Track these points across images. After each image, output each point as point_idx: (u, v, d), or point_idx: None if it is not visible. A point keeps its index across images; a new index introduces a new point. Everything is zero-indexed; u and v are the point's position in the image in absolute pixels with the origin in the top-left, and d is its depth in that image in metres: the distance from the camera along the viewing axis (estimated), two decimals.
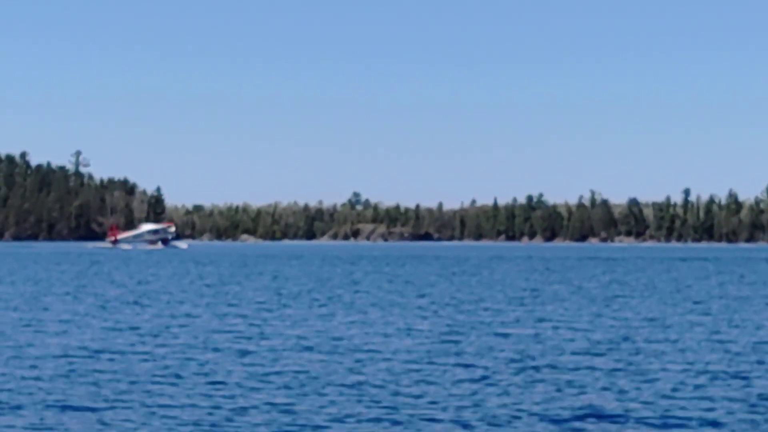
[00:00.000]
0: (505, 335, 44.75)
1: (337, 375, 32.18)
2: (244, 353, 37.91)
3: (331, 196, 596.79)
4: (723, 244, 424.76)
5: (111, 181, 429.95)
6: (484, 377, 31.87)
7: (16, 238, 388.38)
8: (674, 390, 29.30)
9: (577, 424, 24.66)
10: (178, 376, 31.74)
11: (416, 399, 27.83)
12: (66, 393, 28.53)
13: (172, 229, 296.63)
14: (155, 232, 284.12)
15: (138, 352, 37.97)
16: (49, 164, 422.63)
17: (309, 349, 39.45)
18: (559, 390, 29.28)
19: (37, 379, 31.12)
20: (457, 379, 31.39)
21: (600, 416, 25.51)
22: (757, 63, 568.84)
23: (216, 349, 39.08)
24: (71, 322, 50.37)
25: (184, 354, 37.55)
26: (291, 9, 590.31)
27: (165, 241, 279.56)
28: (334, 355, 37.35)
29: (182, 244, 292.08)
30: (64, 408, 26.32)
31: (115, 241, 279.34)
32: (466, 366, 34.46)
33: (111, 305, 62.20)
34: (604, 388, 29.61)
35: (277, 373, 32.69)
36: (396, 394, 28.63)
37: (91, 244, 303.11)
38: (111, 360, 35.73)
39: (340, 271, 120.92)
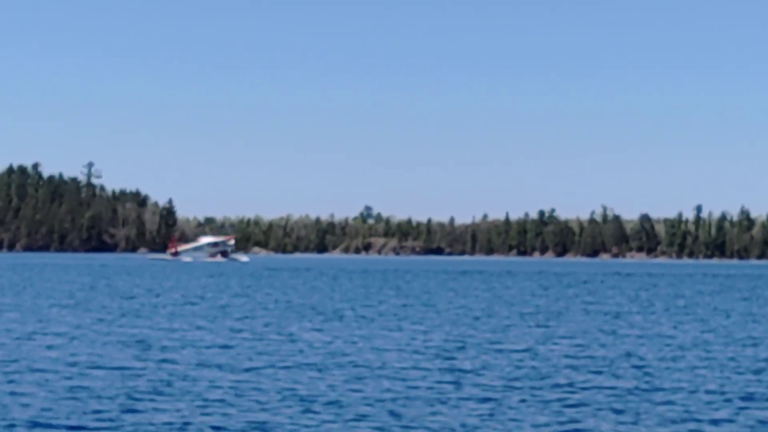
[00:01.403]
0: (511, 351, 43.64)
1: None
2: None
3: (343, 209, 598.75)
4: (735, 261, 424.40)
5: (123, 192, 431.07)
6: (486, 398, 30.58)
7: (28, 248, 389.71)
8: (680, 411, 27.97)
9: None
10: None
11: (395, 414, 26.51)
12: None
13: (232, 242, 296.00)
14: (215, 245, 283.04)
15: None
16: (61, 175, 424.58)
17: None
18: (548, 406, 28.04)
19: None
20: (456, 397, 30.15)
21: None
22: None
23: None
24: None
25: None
26: (304, 22, 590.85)
27: (225, 254, 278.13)
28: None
29: (243, 257, 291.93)
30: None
31: (176, 253, 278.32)
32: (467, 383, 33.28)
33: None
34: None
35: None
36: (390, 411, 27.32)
37: (150, 256, 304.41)
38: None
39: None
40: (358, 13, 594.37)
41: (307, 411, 27.65)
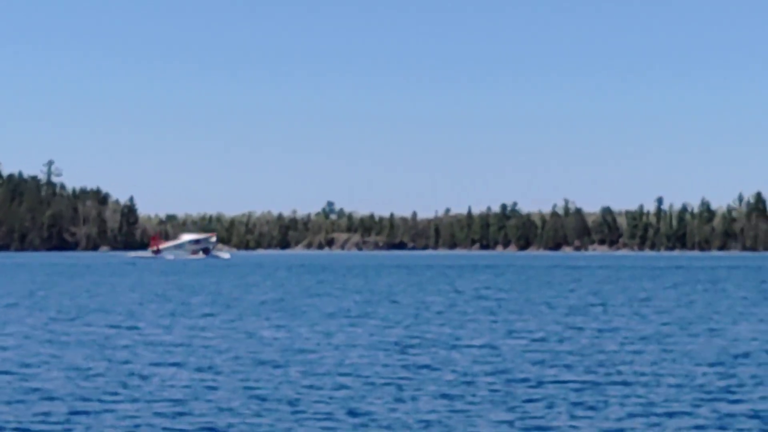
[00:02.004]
0: (471, 346, 43.30)
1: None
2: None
3: (306, 205, 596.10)
4: (696, 252, 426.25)
5: (83, 191, 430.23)
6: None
7: None
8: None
9: None
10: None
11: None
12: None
13: (214, 239, 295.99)
14: (197, 242, 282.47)
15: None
16: (20, 174, 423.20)
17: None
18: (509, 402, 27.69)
19: None
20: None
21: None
22: (729, 73, 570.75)
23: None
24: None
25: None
26: (267, 18, 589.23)
27: (206, 251, 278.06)
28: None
29: (224, 254, 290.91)
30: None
31: (158, 251, 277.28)
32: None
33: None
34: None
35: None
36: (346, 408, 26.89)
37: (132, 254, 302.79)
38: None
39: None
40: (321, 14, 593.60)
41: (263, 409, 27.24)
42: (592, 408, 27.44)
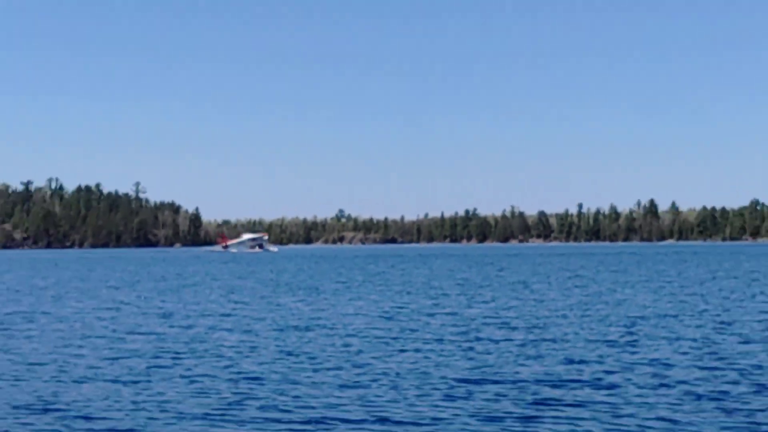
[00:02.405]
0: (442, 314, 43.05)
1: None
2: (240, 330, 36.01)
3: (323, 211, 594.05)
4: (606, 243, 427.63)
5: (162, 203, 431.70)
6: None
7: (92, 246, 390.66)
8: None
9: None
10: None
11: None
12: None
13: (266, 237, 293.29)
14: (254, 239, 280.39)
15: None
16: (116, 191, 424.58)
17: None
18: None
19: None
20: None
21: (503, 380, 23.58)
22: (633, 102, 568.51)
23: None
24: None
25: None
26: (300, 28, 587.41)
27: (261, 246, 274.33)
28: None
29: (273, 248, 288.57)
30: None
31: (226, 246, 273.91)
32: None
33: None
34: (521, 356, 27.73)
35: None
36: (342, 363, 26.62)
37: (204, 249, 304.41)
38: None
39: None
40: (348, 24, 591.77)
41: (290, 361, 26.99)
42: (530, 358, 27.23)
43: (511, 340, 31.87)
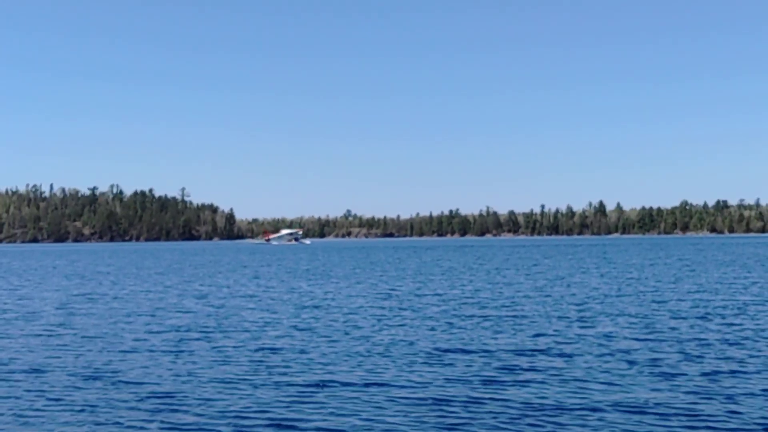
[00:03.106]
0: (428, 294, 42.59)
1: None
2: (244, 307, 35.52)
3: (334, 211, 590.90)
4: (564, 237, 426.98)
5: (203, 205, 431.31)
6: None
7: (147, 240, 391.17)
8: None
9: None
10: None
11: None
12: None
13: (301, 232, 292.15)
14: (291, 234, 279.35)
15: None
16: (166, 195, 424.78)
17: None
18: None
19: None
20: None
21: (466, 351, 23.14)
22: (584, 113, 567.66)
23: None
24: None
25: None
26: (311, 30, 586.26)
27: (296, 239, 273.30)
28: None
29: (307, 241, 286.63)
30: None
31: (268, 240, 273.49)
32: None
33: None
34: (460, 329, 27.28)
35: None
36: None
37: (248, 241, 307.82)
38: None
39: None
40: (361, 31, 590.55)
41: (301, 334, 26.60)
42: (498, 331, 26.82)
43: (482, 317, 31.46)
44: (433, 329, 27.65)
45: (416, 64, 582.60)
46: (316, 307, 36.64)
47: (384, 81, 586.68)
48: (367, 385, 18.32)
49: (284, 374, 19.69)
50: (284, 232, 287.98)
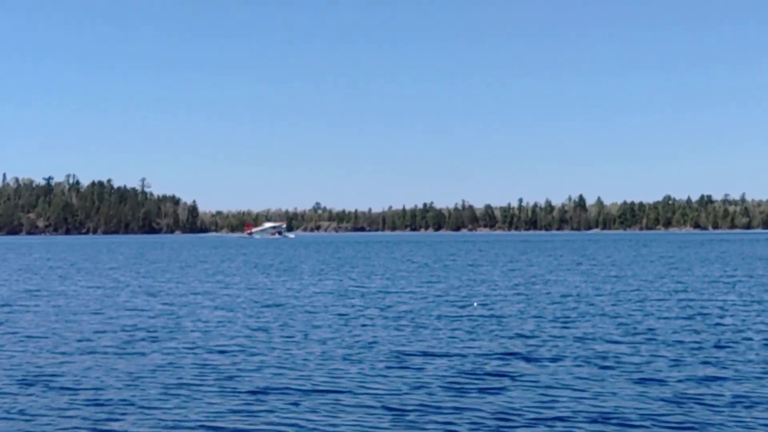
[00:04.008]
0: (393, 293, 42.08)
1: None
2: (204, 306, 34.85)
3: (303, 204, 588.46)
4: (542, 232, 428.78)
5: (164, 196, 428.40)
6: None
7: (105, 233, 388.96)
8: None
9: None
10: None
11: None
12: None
13: (284, 225, 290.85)
14: (274, 227, 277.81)
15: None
16: (125, 186, 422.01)
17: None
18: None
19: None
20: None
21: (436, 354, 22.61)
22: (564, 105, 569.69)
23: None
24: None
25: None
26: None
27: (279, 233, 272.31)
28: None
29: (291, 235, 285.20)
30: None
31: (250, 233, 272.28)
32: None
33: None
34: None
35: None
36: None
37: (234, 235, 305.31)
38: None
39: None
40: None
41: (255, 335, 25.97)
42: (469, 333, 26.35)
43: (453, 317, 30.94)
44: (398, 330, 27.12)
45: (390, 51, 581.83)
46: (277, 305, 35.98)
47: (356, 67, 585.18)
48: (320, 391, 17.73)
49: (232, 379, 19.03)
50: (267, 225, 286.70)
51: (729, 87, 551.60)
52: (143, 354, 22.62)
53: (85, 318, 31.36)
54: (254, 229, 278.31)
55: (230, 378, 19.15)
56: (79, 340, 25.22)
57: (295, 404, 16.54)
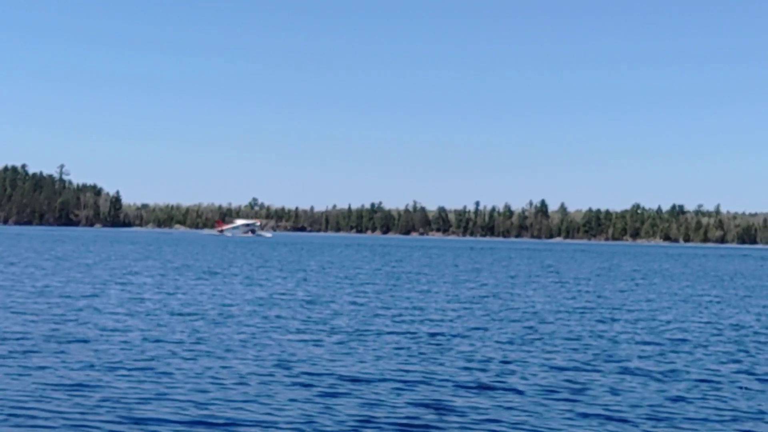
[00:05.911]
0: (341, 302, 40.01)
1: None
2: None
3: (238, 199, 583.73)
4: (500, 239, 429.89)
5: (84, 185, 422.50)
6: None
7: (17, 223, 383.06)
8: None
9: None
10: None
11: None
12: None
13: (258, 223, 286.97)
14: (246, 225, 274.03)
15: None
16: (41, 173, 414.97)
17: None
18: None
19: None
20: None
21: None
22: (527, 104, 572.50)
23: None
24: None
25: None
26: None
27: (253, 231, 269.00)
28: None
29: (267, 234, 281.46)
30: None
31: (221, 231, 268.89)
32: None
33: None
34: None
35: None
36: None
37: (204, 232, 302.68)
38: None
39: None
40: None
41: (147, 348, 23.65)
42: (409, 356, 24.30)
43: (412, 333, 28.77)
44: (318, 346, 24.94)
45: (340, 36, 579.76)
46: (179, 314, 33.44)
47: (301, 49, 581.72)
48: (209, 425, 15.50)
49: (102, 403, 16.70)
50: (239, 222, 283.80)
51: (710, 88, 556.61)
52: (4, 366, 20.19)
53: None
54: (225, 227, 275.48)
55: (103, 400, 16.78)
56: None
57: None
